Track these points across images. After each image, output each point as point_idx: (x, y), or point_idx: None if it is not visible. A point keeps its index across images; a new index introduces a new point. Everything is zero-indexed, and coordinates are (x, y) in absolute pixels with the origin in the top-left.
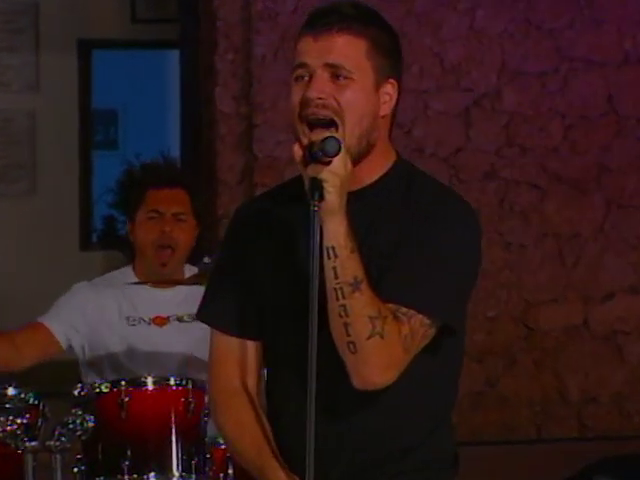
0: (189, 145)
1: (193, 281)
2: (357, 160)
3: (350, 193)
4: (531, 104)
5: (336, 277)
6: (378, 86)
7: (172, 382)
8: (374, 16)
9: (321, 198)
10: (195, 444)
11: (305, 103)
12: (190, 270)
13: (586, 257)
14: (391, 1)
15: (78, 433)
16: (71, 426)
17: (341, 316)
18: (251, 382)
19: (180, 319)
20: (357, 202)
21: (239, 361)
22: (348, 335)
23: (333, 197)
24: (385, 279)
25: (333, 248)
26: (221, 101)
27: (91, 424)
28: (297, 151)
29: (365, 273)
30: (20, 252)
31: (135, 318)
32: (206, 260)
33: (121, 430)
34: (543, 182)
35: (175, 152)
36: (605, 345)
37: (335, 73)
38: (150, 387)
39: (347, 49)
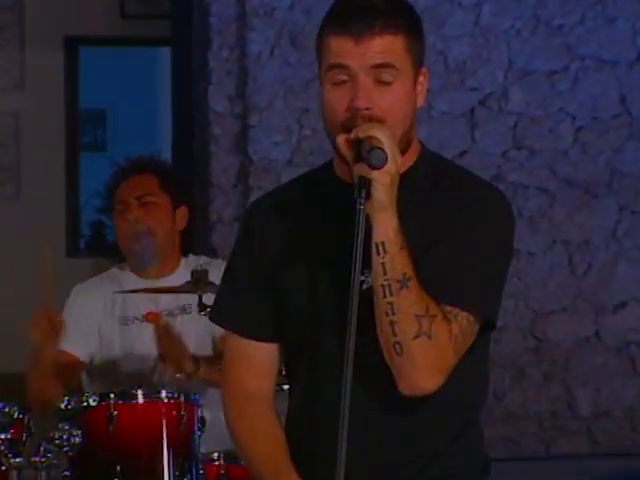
0: (181, 147)
1: (186, 289)
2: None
3: None
4: (540, 104)
5: (385, 273)
6: (416, 80)
7: (163, 395)
8: (402, 3)
9: (368, 196)
10: (188, 459)
11: (352, 112)
12: (189, 262)
13: (597, 265)
14: None
15: (65, 449)
16: (58, 441)
17: (387, 314)
18: (267, 386)
19: (171, 313)
20: None
21: (254, 364)
22: (394, 335)
23: (383, 195)
24: (425, 275)
25: (383, 244)
26: (214, 101)
27: (78, 439)
28: (343, 145)
29: (414, 271)
30: (4, 259)
31: (129, 318)
32: (199, 267)
33: (110, 445)
34: (552, 186)
35: (166, 154)
36: (617, 357)
37: (378, 76)
38: (140, 400)
39: (391, 48)
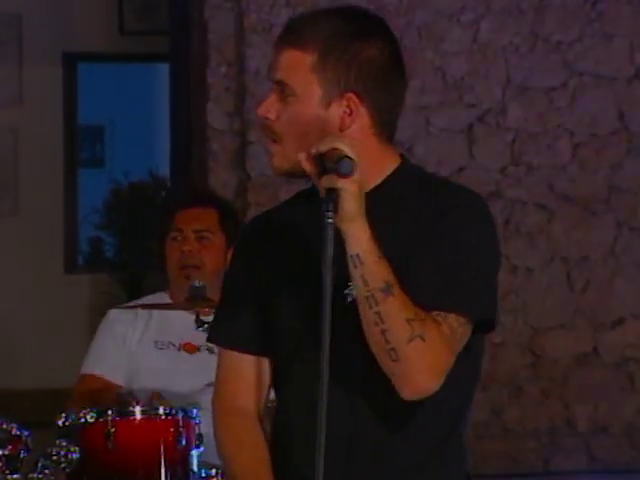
0: (179, 163)
1: (182, 307)
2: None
3: None
4: (538, 120)
5: (366, 285)
6: (330, 102)
7: (161, 412)
8: (332, 23)
9: (335, 209)
10: (185, 476)
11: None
12: None
13: (596, 281)
14: (390, 13)
15: (62, 465)
16: (55, 458)
17: (377, 324)
18: (255, 400)
19: (211, 350)
20: None
21: (243, 378)
22: (387, 342)
23: (351, 204)
24: (410, 284)
25: (358, 255)
26: (213, 117)
27: (76, 455)
28: (305, 164)
29: (395, 276)
30: (2, 275)
31: (164, 342)
32: (196, 284)
33: (108, 462)
34: (550, 202)
35: (164, 170)
36: (615, 373)
37: (280, 90)
38: (138, 417)
39: (291, 65)
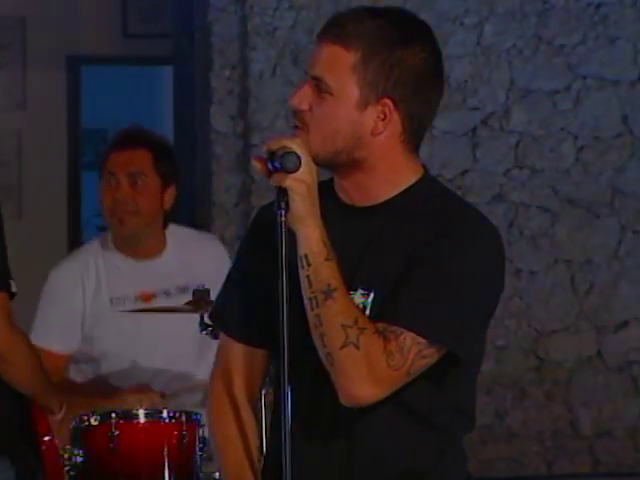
0: (183, 166)
1: (186, 309)
2: (355, 173)
3: (355, 209)
4: (541, 124)
5: (310, 286)
6: (367, 104)
7: (165, 415)
8: (379, 25)
9: (287, 207)
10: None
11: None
12: (175, 232)
13: (599, 284)
14: None
15: (67, 468)
16: (59, 461)
17: (317, 327)
18: (253, 390)
19: (168, 293)
20: (362, 219)
21: (241, 369)
22: (324, 346)
23: (299, 204)
24: (384, 300)
25: (306, 256)
26: (216, 120)
27: (80, 459)
28: (255, 164)
29: (342, 282)
30: None
31: (119, 298)
32: (200, 286)
33: (112, 465)
34: (554, 206)
35: None
36: (619, 376)
37: (317, 85)
38: (142, 420)
39: (331, 61)
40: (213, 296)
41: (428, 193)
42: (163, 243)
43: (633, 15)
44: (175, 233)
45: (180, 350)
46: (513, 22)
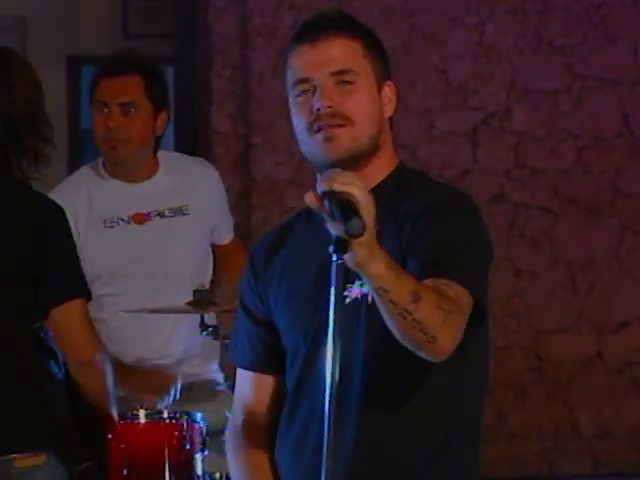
0: None
1: (187, 310)
2: (367, 161)
3: None
4: (542, 124)
5: (395, 305)
6: (379, 88)
7: (165, 415)
8: (357, 21)
9: (344, 253)
10: None
11: (315, 114)
12: (167, 156)
13: (600, 285)
14: (394, 15)
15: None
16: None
17: (414, 327)
18: (270, 417)
19: (161, 214)
20: None
21: (252, 397)
22: (425, 334)
23: (361, 253)
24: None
25: (382, 287)
26: (217, 120)
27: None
28: (311, 201)
29: (415, 278)
30: None
31: (112, 219)
32: (201, 287)
33: (112, 466)
34: (555, 206)
35: None
36: (620, 377)
37: (340, 79)
38: (142, 421)
39: (347, 51)
40: (212, 205)
41: (407, 176)
42: (155, 167)
43: (633, 15)
44: (167, 157)
45: (178, 266)
46: (514, 22)
